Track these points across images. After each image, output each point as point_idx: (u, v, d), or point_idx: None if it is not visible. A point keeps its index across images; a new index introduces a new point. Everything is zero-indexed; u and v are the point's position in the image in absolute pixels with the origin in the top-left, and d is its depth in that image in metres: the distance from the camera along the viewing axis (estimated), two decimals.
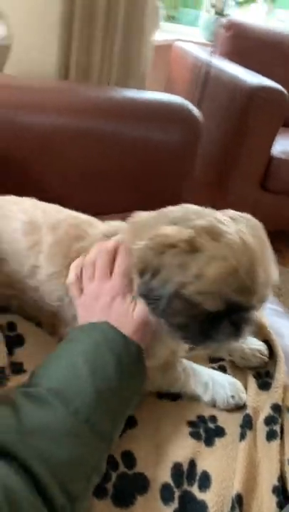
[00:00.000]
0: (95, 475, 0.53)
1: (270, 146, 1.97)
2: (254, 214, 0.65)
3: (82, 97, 1.24)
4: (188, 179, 1.33)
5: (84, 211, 0.82)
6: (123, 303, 0.64)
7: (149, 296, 0.60)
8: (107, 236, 0.72)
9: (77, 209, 0.83)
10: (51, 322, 0.77)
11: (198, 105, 2.02)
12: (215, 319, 0.59)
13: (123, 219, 0.75)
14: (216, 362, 0.77)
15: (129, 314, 0.63)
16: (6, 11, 1.49)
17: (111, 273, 0.67)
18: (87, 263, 0.70)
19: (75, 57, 1.89)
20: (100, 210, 0.82)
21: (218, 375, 0.72)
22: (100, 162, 1.20)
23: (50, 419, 0.51)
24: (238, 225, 0.60)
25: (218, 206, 0.66)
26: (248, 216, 0.64)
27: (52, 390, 0.54)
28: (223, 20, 2.33)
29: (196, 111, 1.26)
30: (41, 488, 0.45)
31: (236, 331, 0.60)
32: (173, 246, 0.57)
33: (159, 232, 0.60)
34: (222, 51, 2.26)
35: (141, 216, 0.72)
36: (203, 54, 2.09)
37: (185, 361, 0.72)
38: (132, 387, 0.60)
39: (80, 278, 0.70)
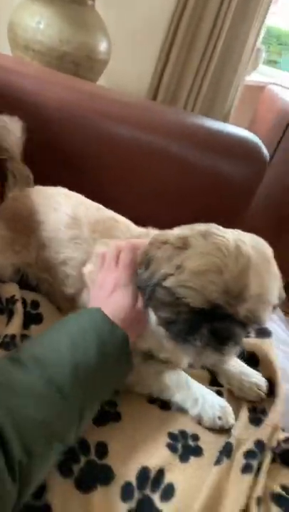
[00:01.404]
0: (57, 442, 0.54)
1: None
2: None
3: (163, 117, 1.30)
4: (241, 214, 1.33)
5: (141, 221, 0.87)
6: (123, 293, 0.68)
7: (141, 287, 0.65)
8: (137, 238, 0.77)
9: (135, 219, 0.88)
10: (70, 308, 0.82)
11: (276, 148, 2.03)
12: (197, 322, 0.60)
13: None
14: (215, 386, 0.77)
15: (126, 304, 0.67)
16: (110, 28, 1.61)
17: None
18: (100, 257, 0.75)
19: (166, 81, 1.99)
20: (156, 224, 0.87)
21: (211, 395, 0.71)
22: (163, 180, 1.25)
23: (24, 380, 0.55)
24: (241, 238, 0.61)
25: None
26: (260, 239, 0.65)
27: (32, 356, 0.58)
28: None
29: (264, 151, 1.27)
30: (2, 438, 0.48)
31: (216, 343, 0.60)
32: (167, 242, 0.62)
33: (164, 232, 0.65)
34: None
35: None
36: None
37: (182, 373, 0.73)
38: (112, 372, 0.63)
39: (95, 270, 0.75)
